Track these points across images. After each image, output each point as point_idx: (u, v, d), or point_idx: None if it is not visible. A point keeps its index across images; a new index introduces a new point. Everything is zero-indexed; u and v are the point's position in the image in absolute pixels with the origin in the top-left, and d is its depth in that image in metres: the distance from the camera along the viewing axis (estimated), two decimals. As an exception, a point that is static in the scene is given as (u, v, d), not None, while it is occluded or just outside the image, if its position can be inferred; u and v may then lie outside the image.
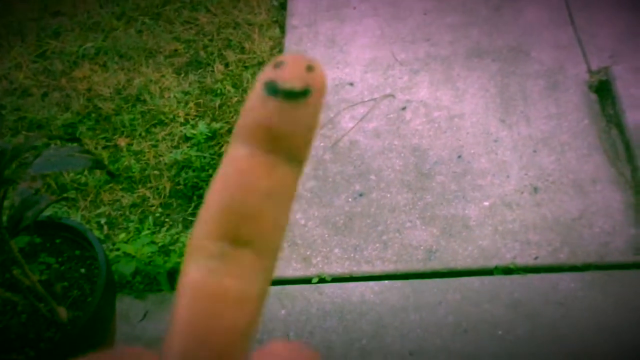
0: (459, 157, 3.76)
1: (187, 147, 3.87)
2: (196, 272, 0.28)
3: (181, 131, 3.96)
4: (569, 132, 3.79)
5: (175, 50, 4.53)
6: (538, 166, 3.64)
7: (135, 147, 3.89)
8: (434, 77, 4.22)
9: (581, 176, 3.57)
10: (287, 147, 0.28)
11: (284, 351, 0.29)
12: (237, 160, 0.28)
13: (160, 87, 4.24)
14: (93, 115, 4.10)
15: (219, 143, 3.89)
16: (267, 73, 0.28)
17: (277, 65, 0.28)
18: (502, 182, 3.61)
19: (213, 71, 4.35)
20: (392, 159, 3.80)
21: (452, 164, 3.73)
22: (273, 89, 0.27)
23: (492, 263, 3.29)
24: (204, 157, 3.79)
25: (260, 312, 0.29)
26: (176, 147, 3.87)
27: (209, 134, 3.90)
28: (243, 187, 0.28)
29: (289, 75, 0.27)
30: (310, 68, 0.28)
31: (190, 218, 3.53)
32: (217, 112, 4.06)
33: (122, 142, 3.92)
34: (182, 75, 4.34)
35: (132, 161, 3.81)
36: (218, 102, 4.11)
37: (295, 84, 0.27)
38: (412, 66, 4.31)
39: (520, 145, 3.76)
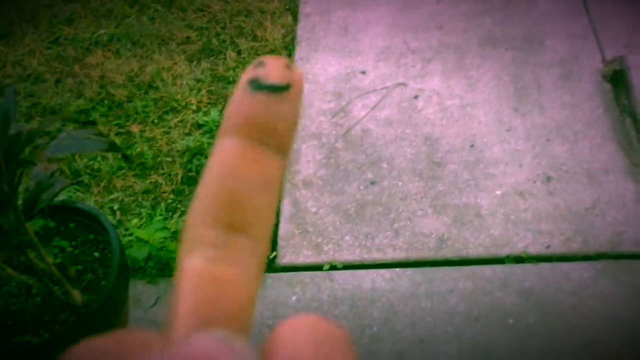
0: (472, 146, 3.75)
1: (199, 134, 3.88)
2: (195, 260, 0.28)
3: (193, 118, 3.97)
4: (582, 121, 3.77)
5: (188, 37, 4.53)
6: (551, 155, 3.63)
7: (147, 134, 3.91)
8: (447, 65, 4.20)
9: (594, 166, 3.55)
10: (273, 139, 0.30)
11: (309, 325, 0.30)
12: (227, 152, 0.30)
13: (172, 75, 4.24)
14: (106, 101, 4.11)
15: (231, 130, 3.90)
16: (250, 72, 0.31)
17: (259, 65, 0.31)
18: (514, 171, 3.59)
19: (225, 59, 4.35)
20: (403, 148, 3.79)
21: (464, 153, 3.72)
22: (257, 85, 0.30)
23: (503, 252, 3.28)
24: (216, 144, 3.79)
25: (257, 295, 0.30)
26: (188, 134, 3.88)
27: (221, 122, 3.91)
28: (234, 177, 0.29)
29: (270, 72, 0.30)
30: (288, 66, 0.30)
31: (202, 204, 3.55)
32: (229, 100, 4.07)
33: (135, 129, 3.94)
34: (194, 62, 4.35)
35: (145, 148, 3.82)
36: (230, 89, 4.11)
37: (277, 80, 0.30)
38: (424, 55, 4.30)
39: (533, 135, 3.74)
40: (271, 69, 0.30)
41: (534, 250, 3.25)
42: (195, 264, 0.28)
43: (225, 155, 0.30)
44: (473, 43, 4.31)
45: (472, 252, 3.30)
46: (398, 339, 3.03)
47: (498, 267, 3.23)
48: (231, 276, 0.28)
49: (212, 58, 4.37)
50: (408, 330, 3.06)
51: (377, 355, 2.99)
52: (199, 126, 3.94)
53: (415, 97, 4.02)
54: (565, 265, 3.19)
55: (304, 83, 0.31)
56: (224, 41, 4.48)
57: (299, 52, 4.41)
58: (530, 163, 3.61)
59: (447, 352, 2.96)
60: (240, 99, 0.30)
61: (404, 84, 4.10)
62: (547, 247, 3.25)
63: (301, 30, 4.59)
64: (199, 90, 4.14)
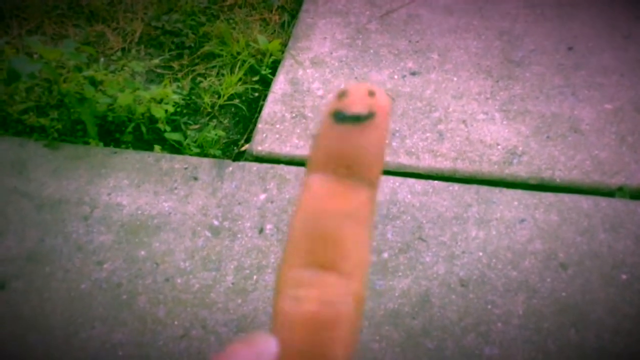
0: (570, 48, 2.50)
1: None
2: (287, 303, 0.29)
3: None
4: None
5: None
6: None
7: None
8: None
9: None
10: (359, 171, 0.29)
11: (240, 352, 0.27)
12: (314, 188, 0.29)
13: None
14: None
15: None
16: (333, 104, 0.29)
17: (341, 96, 0.29)
18: (635, 84, 2.33)
19: None
20: (467, 40, 2.57)
21: (557, 55, 2.48)
22: (341, 117, 0.29)
23: (614, 181, 1.99)
24: None
25: (355, 331, 0.29)
26: None
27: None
28: (322, 214, 0.29)
29: (353, 102, 0.29)
30: (371, 93, 0.29)
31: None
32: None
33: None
34: None
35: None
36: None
37: (360, 109, 0.29)
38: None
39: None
40: (353, 98, 0.29)
41: (667, 182, 1.96)
42: (287, 307, 0.28)
43: (314, 192, 0.29)
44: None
45: (563, 175, 2.02)
46: (423, 276, 1.74)
47: (604, 200, 1.94)
48: (323, 316, 0.28)
49: None
50: (441, 265, 1.76)
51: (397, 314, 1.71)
52: None
53: (491, -11, 2.82)
54: None
55: (390, 108, 0.29)
56: None
57: None
58: (661, 73, 2.34)
59: (505, 322, 1.66)
60: (325, 132, 0.29)
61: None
62: (692, 180, 1.94)
63: None
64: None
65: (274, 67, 2.51)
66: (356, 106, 0.29)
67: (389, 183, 2.00)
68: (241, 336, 0.27)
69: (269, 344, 0.28)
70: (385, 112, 0.29)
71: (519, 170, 2.04)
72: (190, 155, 2.16)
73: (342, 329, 0.28)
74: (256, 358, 0.27)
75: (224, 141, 2.25)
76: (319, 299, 0.28)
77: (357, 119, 0.28)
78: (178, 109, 2.36)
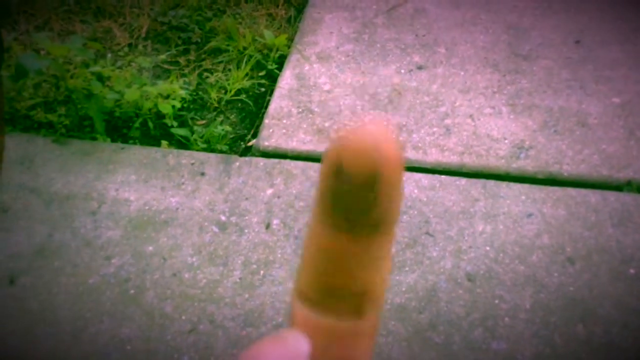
0: (578, 42, 2.49)
1: None
2: (306, 309, 0.28)
3: None
4: None
5: None
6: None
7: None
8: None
9: None
10: (368, 220, 0.26)
11: (273, 351, 0.26)
12: (320, 238, 0.27)
13: None
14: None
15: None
16: (332, 157, 0.25)
17: (341, 153, 0.25)
18: (643, 77, 2.32)
19: None
20: (474, 34, 2.56)
21: (565, 49, 2.47)
22: (342, 177, 0.25)
23: (622, 175, 1.99)
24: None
25: (375, 338, 0.29)
26: None
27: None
28: (330, 262, 0.27)
29: (354, 164, 0.25)
30: (376, 149, 0.24)
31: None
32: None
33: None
34: None
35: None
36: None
37: (361, 176, 0.24)
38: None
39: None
40: (355, 159, 0.24)
41: (676, 175, 1.95)
42: (309, 313, 0.28)
43: (319, 242, 0.27)
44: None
45: (570, 169, 2.01)
46: (430, 271, 1.74)
47: (612, 195, 1.93)
48: (346, 326, 0.28)
49: None
50: (448, 260, 1.76)
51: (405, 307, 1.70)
52: None
53: (499, -18, 2.80)
54: None
55: (399, 162, 0.25)
56: None
57: None
58: (670, 67, 2.33)
59: (512, 316, 1.66)
60: (326, 185, 0.26)
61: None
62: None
63: None
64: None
65: (281, 62, 2.51)
66: (358, 168, 0.25)
67: (395, 178, 2.00)
68: (271, 334, 0.26)
69: (301, 343, 0.27)
70: (393, 170, 0.25)
71: (526, 164, 2.04)
72: (197, 150, 2.16)
73: (364, 336, 0.28)
74: (289, 357, 0.26)
75: (230, 136, 2.25)
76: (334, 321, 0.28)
77: (360, 188, 0.25)
78: (185, 105, 2.36)
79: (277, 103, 2.29)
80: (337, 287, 0.28)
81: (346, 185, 0.25)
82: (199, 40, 2.65)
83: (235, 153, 2.17)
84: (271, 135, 2.17)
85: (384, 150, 0.25)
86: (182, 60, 2.57)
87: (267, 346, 0.26)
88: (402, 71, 2.40)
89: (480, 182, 1.98)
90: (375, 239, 0.27)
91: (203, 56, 2.59)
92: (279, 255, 1.80)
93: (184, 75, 2.50)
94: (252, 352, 0.25)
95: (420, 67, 2.41)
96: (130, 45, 2.64)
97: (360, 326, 0.28)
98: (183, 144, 2.21)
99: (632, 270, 1.72)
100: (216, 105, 2.38)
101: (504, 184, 1.97)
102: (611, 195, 1.92)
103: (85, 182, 2.04)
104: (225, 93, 2.41)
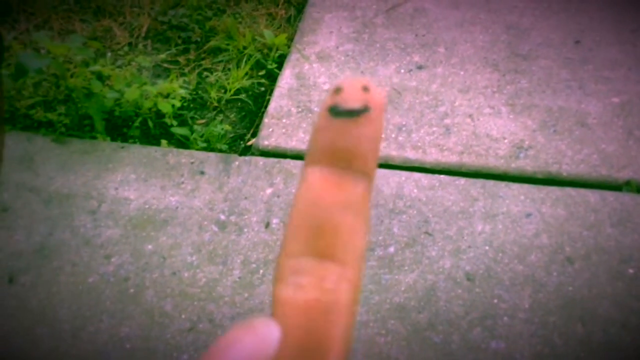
0: (577, 42, 2.50)
1: None
2: (285, 291, 0.29)
3: None
4: None
5: None
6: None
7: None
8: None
9: None
10: (355, 163, 0.30)
11: (242, 339, 0.27)
12: (312, 181, 0.30)
13: None
14: None
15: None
16: (328, 100, 0.30)
17: (337, 92, 0.30)
18: (642, 77, 2.32)
19: None
20: (473, 33, 2.56)
21: (564, 49, 2.47)
22: (336, 112, 0.29)
23: (621, 175, 1.99)
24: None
25: (353, 317, 0.30)
26: None
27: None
28: (320, 205, 0.30)
29: (348, 98, 0.30)
30: (366, 88, 0.30)
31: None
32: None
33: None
34: None
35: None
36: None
37: (355, 104, 0.30)
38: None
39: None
40: (349, 93, 0.30)
41: (675, 176, 1.95)
42: (284, 294, 0.29)
43: (311, 184, 0.30)
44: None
45: (570, 169, 2.02)
46: (428, 270, 1.74)
47: (611, 195, 1.93)
48: (321, 303, 0.29)
49: None
50: (447, 260, 1.76)
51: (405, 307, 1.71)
52: None
53: (498, -18, 2.81)
54: None
55: (385, 101, 0.33)
56: None
57: None
58: (669, 67, 2.33)
59: (511, 316, 1.66)
60: (321, 126, 0.30)
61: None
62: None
63: None
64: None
65: (280, 62, 2.51)
66: (351, 101, 0.29)
67: (395, 177, 2.00)
68: (241, 321, 0.26)
69: (271, 328, 0.28)
70: (380, 106, 0.30)
71: (526, 164, 2.04)
72: (197, 149, 2.16)
73: (340, 315, 0.29)
74: (259, 344, 0.27)
75: (230, 136, 2.25)
76: (317, 286, 0.29)
77: (352, 114, 0.29)
78: (185, 104, 2.37)
79: (277, 102, 2.29)
80: (319, 238, 0.29)
81: (340, 120, 0.29)
82: (199, 39, 2.65)
83: (235, 152, 2.17)
84: (271, 134, 2.18)
85: (372, 93, 0.30)
86: (182, 59, 2.57)
87: (236, 335, 0.26)
88: (402, 71, 2.40)
89: (479, 181, 1.99)
90: (359, 182, 0.30)
91: (203, 55, 2.59)
92: (279, 255, 1.80)
93: (183, 74, 2.50)
94: (221, 343, 0.26)
95: (420, 67, 2.42)
96: (130, 44, 2.64)
97: (336, 301, 0.29)
98: (183, 143, 2.21)
99: (631, 270, 1.72)
100: (216, 104, 2.38)
101: (503, 184, 1.98)
102: (610, 195, 1.93)
103: (85, 181, 2.04)
104: (225, 92, 2.41)
